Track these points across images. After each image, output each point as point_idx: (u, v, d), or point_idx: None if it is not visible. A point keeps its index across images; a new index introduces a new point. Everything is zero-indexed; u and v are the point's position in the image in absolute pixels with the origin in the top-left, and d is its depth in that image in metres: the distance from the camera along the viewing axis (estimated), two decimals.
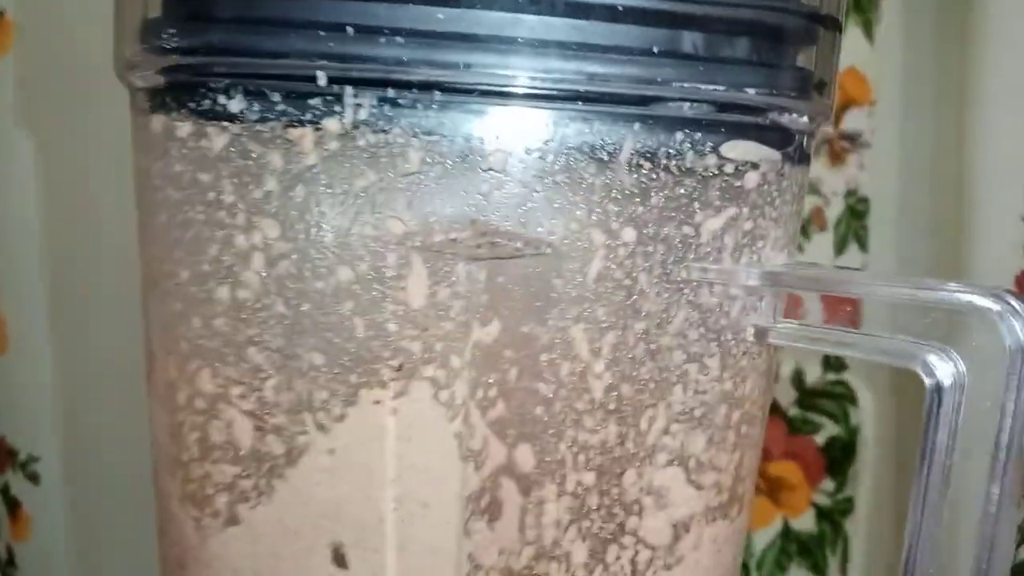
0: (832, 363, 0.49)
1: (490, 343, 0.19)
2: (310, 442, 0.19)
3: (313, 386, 0.19)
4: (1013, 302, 0.17)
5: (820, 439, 0.50)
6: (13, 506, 0.56)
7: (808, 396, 0.49)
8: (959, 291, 0.17)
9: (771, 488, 0.51)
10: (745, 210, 0.19)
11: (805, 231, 0.47)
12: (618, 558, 0.20)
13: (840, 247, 0.47)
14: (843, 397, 0.49)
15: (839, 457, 0.50)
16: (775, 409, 0.50)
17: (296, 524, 0.20)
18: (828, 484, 0.50)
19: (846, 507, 0.49)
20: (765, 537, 0.51)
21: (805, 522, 0.51)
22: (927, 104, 0.45)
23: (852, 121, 0.46)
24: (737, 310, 0.19)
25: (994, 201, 0.41)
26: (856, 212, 0.47)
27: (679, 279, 0.19)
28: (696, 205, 0.19)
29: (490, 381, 0.19)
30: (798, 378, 0.49)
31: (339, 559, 0.20)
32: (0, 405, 0.56)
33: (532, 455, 0.19)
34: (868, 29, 0.45)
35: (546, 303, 0.19)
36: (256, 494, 0.20)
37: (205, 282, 0.19)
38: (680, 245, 0.19)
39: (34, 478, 0.56)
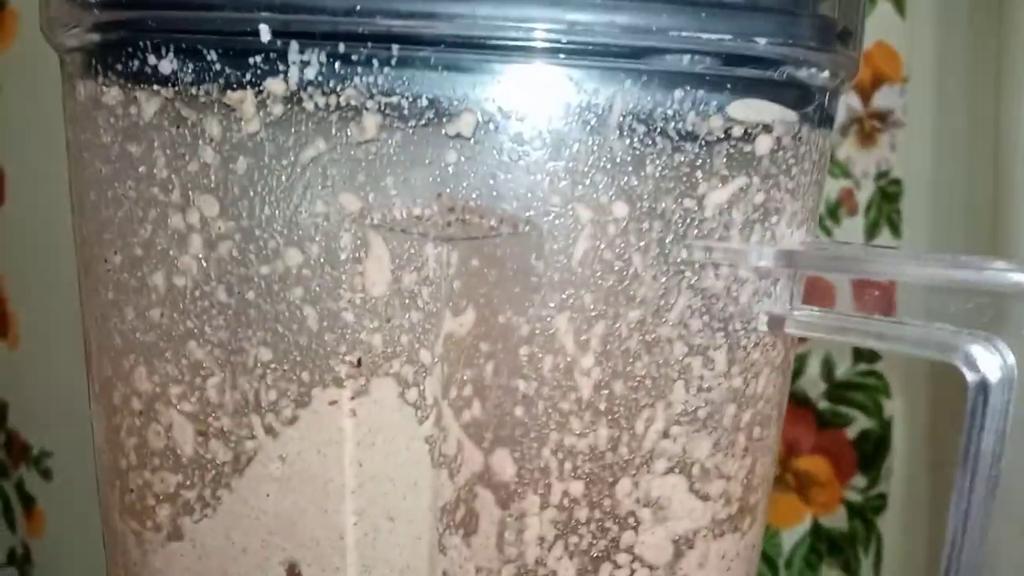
0: (864, 353, 0.47)
1: (463, 335, 0.17)
2: (258, 448, 0.17)
3: (260, 385, 0.17)
4: None
5: (851, 433, 0.48)
6: (28, 502, 0.57)
7: (839, 388, 0.48)
8: (1007, 270, 0.14)
9: (800, 484, 0.49)
10: (756, 180, 0.16)
11: (835, 215, 0.45)
12: None
13: (871, 232, 0.46)
14: (875, 389, 0.47)
15: (871, 452, 0.49)
16: (804, 402, 0.49)
17: (245, 540, 0.17)
18: (860, 480, 0.48)
19: (879, 504, 0.48)
20: (794, 536, 0.50)
21: (836, 520, 0.49)
22: (961, 80, 0.43)
23: (883, 99, 0.44)
24: (747, 295, 0.17)
25: None
26: (888, 195, 0.45)
27: (679, 260, 0.16)
28: (699, 175, 0.16)
29: (464, 378, 0.17)
30: (828, 369, 0.47)
31: (294, 575, 0.17)
32: (12, 401, 0.57)
33: (512, 462, 0.17)
34: (899, 2, 0.43)
35: (526, 289, 0.16)
36: (200, 506, 0.18)
37: (138, 268, 0.17)
38: (680, 221, 0.16)
39: (47, 474, 0.56)
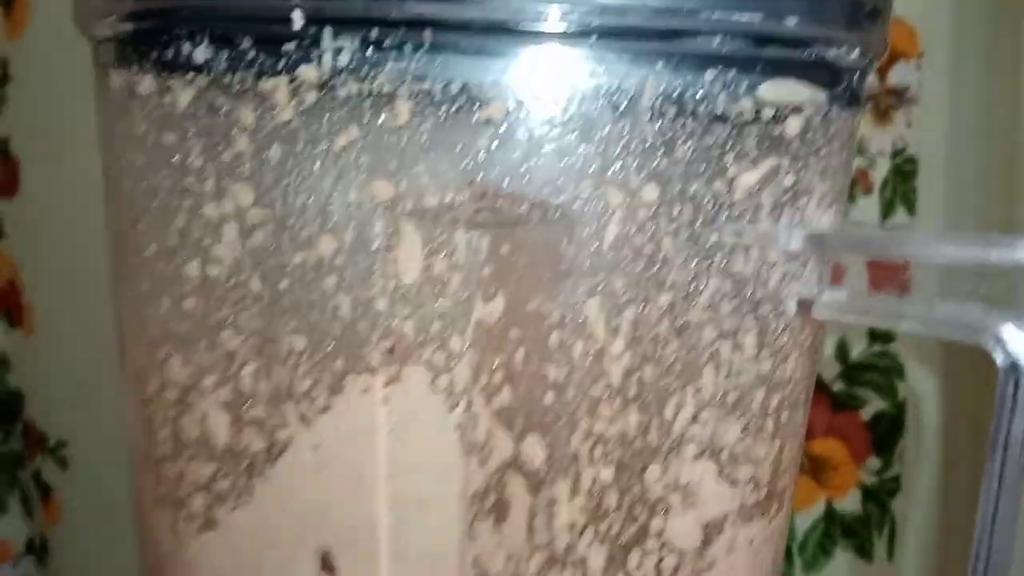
0: (878, 334, 0.47)
1: (494, 322, 0.17)
2: (292, 437, 0.17)
3: (294, 373, 0.17)
4: None
5: (866, 415, 0.48)
6: (45, 491, 0.57)
7: (853, 370, 0.47)
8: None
9: (814, 467, 0.49)
10: (786, 162, 0.16)
11: (850, 194, 0.45)
12: (640, 564, 0.18)
13: (887, 211, 0.45)
14: (890, 370, 0.47)
15: (886, 434, 0.49)
16: (818, 385, 0.49)
17: (279, 528, 0.18)
18: (874, 462, 0.48)
19: (893, 487, 0.48)
20: (808, 519, 0.50)
21: (850, 503, 0.49)
22: (977, 56, 0.43)
23: (898, 75, 0.44)
24: (777, 279, 0.17)
25: None
26: (903, 173, 0.45)
27: (709, 244, 0.16)
28: (729, 157, 0.16)
29: (494, 365, 0.17)
30: (842, 351, 0.47)
31: (328, 567, 0.18)
32: (29, 391, 0.57)
33: (542, 448, 0.17)
34: None
35: (556, 275, 0.16)
36: (235, 495, 0.18)
37: (172, 257, 0.17)
38: (710, 204, 0.16)
39: (63, 463, 0.56)
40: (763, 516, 0.19)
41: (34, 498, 0.58)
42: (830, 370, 0.47)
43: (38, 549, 0.59)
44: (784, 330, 0.17)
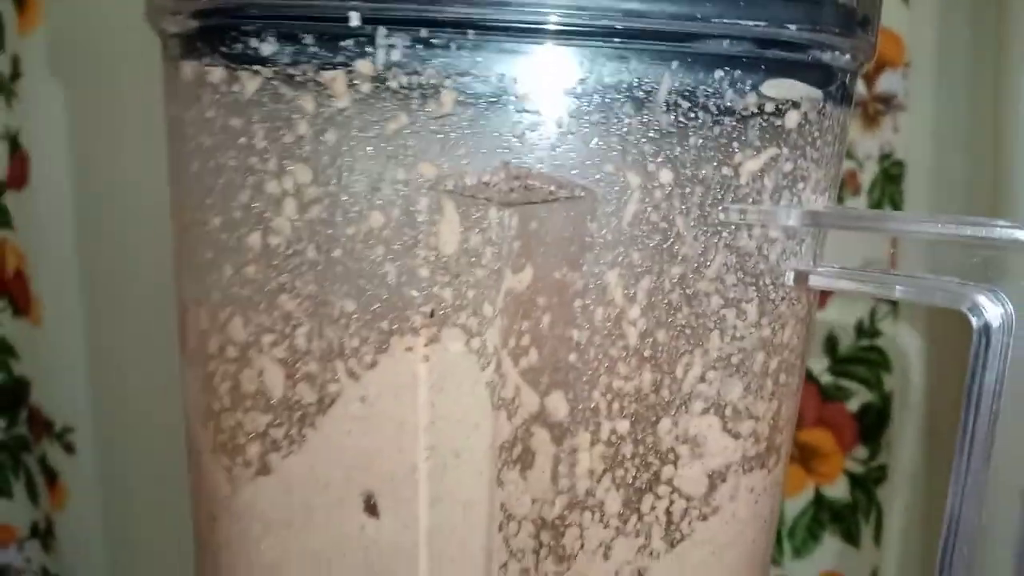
0: (866, 329, 0.48)
1: (522, 290, 0.19)
2: (341, 390, 0.19)
3: (344, 333, 0.19)
4: None
5: (853, 406, 0.49)
6: (51, 476, 0.57)
7: (841, 363, 0.49)
8: (1009, 227, 0.16)
9: (804, 456, 0.50)
10: (786, 151, 0.18)
11: (840, 196, 0.47)
12: (653, 508, 0.20)
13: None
14: (877, 363, 0.48)
15: (872, 424, 0.50)
16: (808, 377, 0.50)
17: (327, 474, 0.19)
18: (861, 451, 0.49)
19: (879, 475, 0.49)
20: (797, 505, 0.51)
21: (838, 489, 0.50)
22: (962, 65, 0.44)
23: (886, 83, 0.45)
24: (776, 254, 0.19)
25: None
26: (891, 176, 0.46)
27: (717, 222, 0.18)
28: (735, 145, 0.18)
29: (522, 329, 0.19)
30: (831, 345, 0.49)
31: (371, 508, 0.19)
32: (35, 376, 0.57)
33: (565, 403, 0.19)
34: None
35: (580, 248, 0.18)
36: (287, 443, 0.20)
37: (236, 229, 0.19)
38: (719, 187, 0.18)
39: (69, 448, 0.56)
40: (762, 467, 0.21)
41: (39, 483, 0.58)
42: (819, 363, 0.49)
43: (43, 533, 0.59)
44: (783, 300, 0.19)
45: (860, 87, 0.46)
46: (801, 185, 0.19)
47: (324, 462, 0.20)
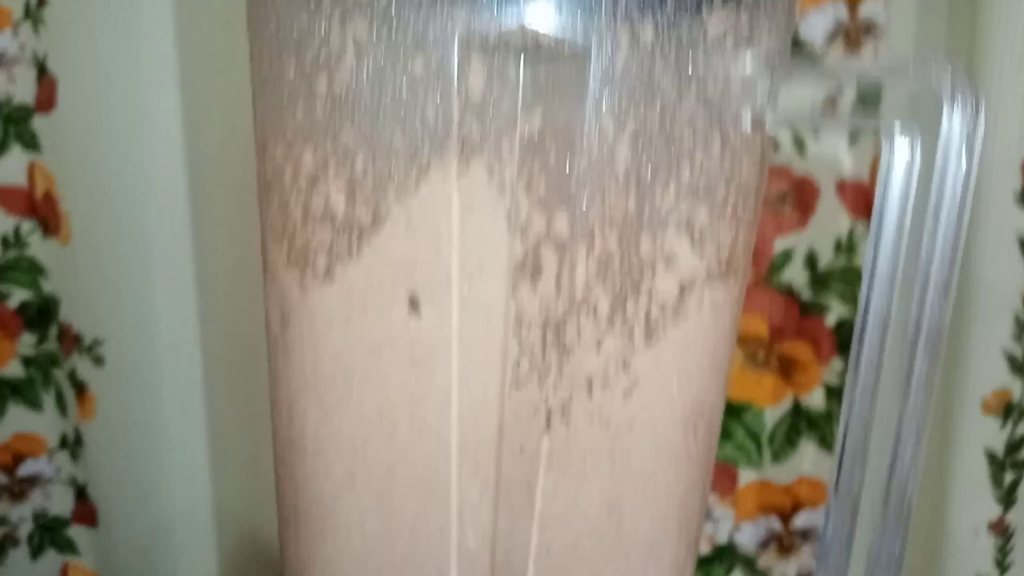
0: (843, 248, 0.52)
1: (534, 131, 0.23)
2: (390, 211, 0.23)
3: (393, 163, 0.23)
4: (963, 90, 0.21)
5: (831, 320, 0.52)
6: (80, 388, 0.58)
7: (821, 279, 0.52)
8: (918, 70, 0.21)
9: (783, 367, 0.54)
10: (744, 16, 0.23)
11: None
12: (636, 311, 0.24)
13: (854, 134, 0.50)
14: (854, 281, 0.51)
15: (848, 338, 0.53)
16: (788, 292, 0.53)
17: (380, 279, 0.24)
18: (837, 364, 0.53)
19: None
20: (777, 413, 0.54)
21: (814, 399, 0.54)
22: None
23: (868, 9, 0.47)
24: (736, 100, 0.24)
25: (1005, 88, 0.42)
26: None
27: (689, 72, 0.23)
28: (705, 9, 0.23)
29: (534, 165, 0.24)
30: (811, 262, 0.52)
31: (414, 305, 0.24)
32: (65, 295, 0.58)
33: (567, 225, 0.24)
34: None
35: (581, 96, 0.23)
36: (348, 254, 0.24)
37: (307, 78, 0.23)
38: (689, 43, 0.23)
39: (99, 360, 0.57)
40: (723, 283, 0.25)
41: (69, 396, 0.59)
42: (800, 278, 0.52)
43: (72, 444, 0.60)
44: (741, 141, 0.24)
45: (842, 13, 0.48)
46: (757, 44, 0.24)
47: (377, 270, 0.24)
